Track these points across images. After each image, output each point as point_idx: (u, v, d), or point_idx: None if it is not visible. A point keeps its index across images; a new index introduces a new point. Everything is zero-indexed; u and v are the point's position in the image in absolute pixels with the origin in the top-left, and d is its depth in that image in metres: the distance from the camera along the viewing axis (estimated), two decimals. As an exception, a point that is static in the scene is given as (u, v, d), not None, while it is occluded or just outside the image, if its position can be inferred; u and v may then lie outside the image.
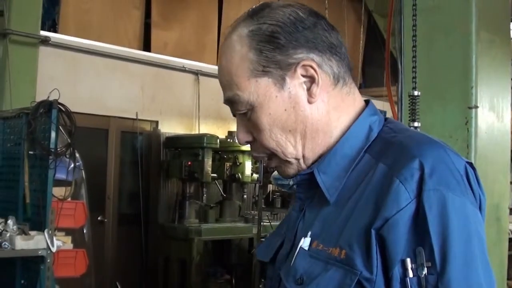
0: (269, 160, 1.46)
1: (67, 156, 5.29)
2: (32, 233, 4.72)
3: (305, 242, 1.38)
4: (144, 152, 7.94)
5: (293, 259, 1.37)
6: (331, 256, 1.30)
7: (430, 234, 1.23)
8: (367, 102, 1.49)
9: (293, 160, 1.42)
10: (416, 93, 3.42)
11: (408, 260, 1.23)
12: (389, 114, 7.91)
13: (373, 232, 1.26)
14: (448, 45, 3.87)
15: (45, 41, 7.10)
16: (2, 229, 4.67)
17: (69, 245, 5.31)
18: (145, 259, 7.88)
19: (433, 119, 3.84)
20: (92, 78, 7.46)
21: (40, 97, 5.44)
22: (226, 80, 1.41)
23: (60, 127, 5.17)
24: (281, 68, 1.37)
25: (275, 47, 1.37)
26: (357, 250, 1.27)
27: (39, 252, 4.63)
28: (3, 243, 4.51)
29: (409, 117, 3.44)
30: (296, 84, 1.38)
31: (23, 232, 4.67)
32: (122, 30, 8.53)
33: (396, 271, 1.24)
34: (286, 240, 1.47)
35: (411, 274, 1.23)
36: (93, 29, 8.09)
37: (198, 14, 9.30)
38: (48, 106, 5.06)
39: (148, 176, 7.96)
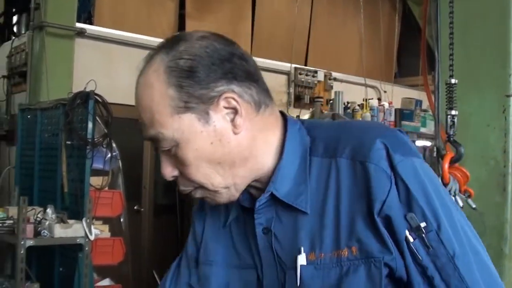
0: (197, 191, 1.42)
1: (104, 146, 5.36)
2: (71, 221, 4.79)
3: (302, 259, 1.37)
4: (178, 142, 7.94)
5: (298, 279, 1.37)
6: (342, 258, 1.35)
7: (416, 198, 1.33)
8: (281, 113, 1.50)
9: (222, 190, 1.40)
10: (453, 81, 3.40)
11: (405, 228, 1.33)
12: (426, 104, 7.81)
13: (376, 217, 1.32)
14: (485, 32, 3.84)
15: (81, 33, 7.16)
16: (41, 217, 4.74)
17: (107, 234, 5.37)
18: (180, 249, 7.90)
19: (470, 108, 3.81)
20: (128, 69, 7.47)
21: (77, 88, 5.51)
22: (147, 118, 1.37)
23: (96, 117, 5.23)
24: (203, 102, 1.34)
25: (195, 82, 1.34)
26: (368, 240, 1.34)
27: (77, 240, 4.70)
28: (42, 231, 4.58)
29: (446, 105, 3.41)
30: (220, 117, 1.35)
31: (61, 221, 4.74)
32: (156, 21, 8.57)
33: (404, 243, 1.33)
34: (265, 268, 1.45)
35: (412, 239, 1.32)
36: (128, 21, 8.14)
37: (232, 5, 9.31)
38: (85, 97, 5.12)
39: (182, 166, 7.97)
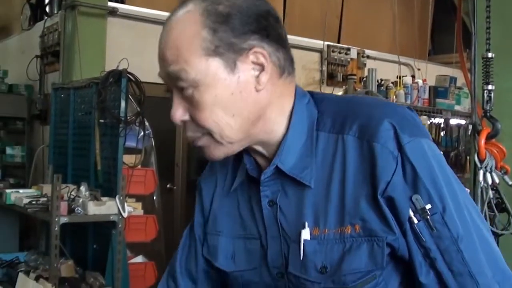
0: (201, 138, 1.40)
1: (137, 124, 5.36)
2: (104, 199, 4.82)
3: (306, 233, 1.39)
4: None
5: (301, 253, 1.39)
6: (345, 235, 1.36)
7: (423, 180, 1.33)
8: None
9: (225, 143, 1.39)
10: (490, 55, 3.34)
11: (410, 210, 1.33)
12: (460, 81, 7.71)
13: (380, 198, 1.33)
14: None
15: (113, 12, 7.18)
16: (74, 195, 4.78)
17: (140, 211, 5.39)
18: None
19: (507, 82, 3.74)
20: (160, 48, 7.47)
21: (109, 67, 5.51)
22: (172, 54, 1.36)
23: (129, 96, 5.23)
24: (233, 51, 1.33)
25: (229, 29, 1.33)
26: (371, 219, 1.35)
27: (111, 218, 4.72)
28: (76, 208, 4.61)
29: (483, 80, 3.36)
30: (246, 70, 1.35)
31: (95, 198, 4.77)
32: (187, 0, 8.54)
33: (407, 224, 1.34)
34: (269, 240, 1.46)
35: (416, 221, 1.33)
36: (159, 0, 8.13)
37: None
38: (118, 75, 5.12)
39: (216, 144, 7.98)
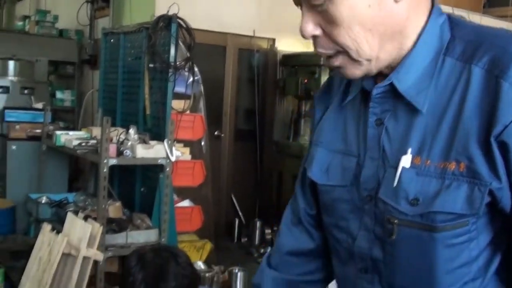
0: (334, 57, 1.31)
1: (186, 70, 5.36)
2: (152, 142, 4.85)
3: (406, 160, 1.29)
4: (260, 69, 7.91)
5: (396, 180, 1.30)
6: (447, 171, 1.25)
7: None
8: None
9: (364, 61, 1.29)
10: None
11: None
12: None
13: (492, 140, 1.21)
14: None
15: (165, -44, 7.14)
16: (123, 138, 4.81)
17: (187, 156, 5.41)
18: (259, 174, 7.98)
19: None
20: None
21: (159, 12, 5.49)
22: None
23: (179, 41, 5.23)
24: None
25: None
26: (479, 161, 1.23)
27: (159, 161, 4.75)
28: (125, 151, 4.65)
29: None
30: None
31: (143, 142, 4.80)
32: None
33: None
34: (367, 160, 1.38)
35: None
36: None
37: None
38: (168, 20, 5.11)
39: (264, 94, 7.95)
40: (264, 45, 7.99)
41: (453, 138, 1.25)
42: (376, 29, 1.25)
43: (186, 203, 5.75)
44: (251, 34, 7.65)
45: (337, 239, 1.49)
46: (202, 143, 6.05)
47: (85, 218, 4.51)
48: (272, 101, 8.02)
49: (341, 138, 1.46)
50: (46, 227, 4.61)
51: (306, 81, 7.37)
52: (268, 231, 7.34)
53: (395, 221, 1.31)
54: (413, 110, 1.31)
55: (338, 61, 1.31)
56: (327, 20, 1.26)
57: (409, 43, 1.31)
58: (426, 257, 1.31)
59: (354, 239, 1.43)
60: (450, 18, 1.35)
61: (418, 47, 1.30)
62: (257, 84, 7.81)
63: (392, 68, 1.33)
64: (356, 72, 1.31)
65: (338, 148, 1.46)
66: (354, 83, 1.42)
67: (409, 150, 1.29)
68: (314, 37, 1.29)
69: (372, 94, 1.35)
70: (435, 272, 1.31)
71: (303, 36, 1.29)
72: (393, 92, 1.33)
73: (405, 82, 1.31)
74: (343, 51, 1.28)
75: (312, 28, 1.28)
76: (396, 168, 1.31)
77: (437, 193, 1.26)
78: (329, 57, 1.32)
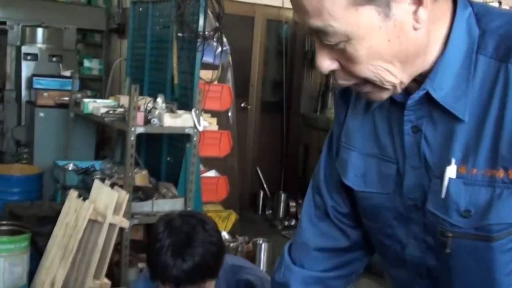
0: (362, 86, 1.24)
1: (215, 40, 5.34)
2: (180, 112, 4.84)
3: (451, 171, 1.24)
4: (289, 41, 7.88)
5: (444, 191, 1.25)
6: (496, 179, 1.20)
7: None
8: None
9: (389, 87, 1.22)
10: None
11: None
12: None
13: None
14: None
15: None
16: (151, 106, 4.81)
17: (214, 126, 5.41)
18: (285, 147, 7.97)
19: None
20: (239, -35, 7.41)
21: (189, -19, 5.45)
22: (313, 6, 1.13)
23: (208, 11, 5.19)
24: None
25: None
26: None
27: (186, 130, 4.74)
28: (152, 119, 4.64)
29: None
30: (401, 10, 1.14)
31: (171, 111, 4.79)
32: None
33: None
34: (408, 168, 1.33)
35: None
36: None
37: None
38: (197, -11, 5.08)
39: (292, 66, 7.91)
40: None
41: (497, 144, 1.20)
42: (397, 59, 1.19)
43: (212, 173, 5.76)
44: (279, 5, 7.59)
45: (384, 245, 1.46)
46: (229, 114, 6.04)
47: (112, 186, 4.52)
48: (299, 73, 7.97)
49: (373, 141, 1.41)
50: (73, 194, 4.63)
51: (334, 53, 7.30)
52: (292, 204, 7.34)
53: (449, 234, 1.27)
54: (452, 118, 1.25)
55: (367, 89, 1.25)
56: (345, 58, 1.20)
57: (434, 52, 1.24)
58: (484, 264, 1.29)
59: (403, 246, 1.40)
60: (474, 7, 1.27)
61: (449, 49, 1.23)
62: (285, 56, 7.77)
63: (423, 75, 1.26)
64: (383, 96, 1.26)
65: (372, 152, 1.41)
66: None
67: (453, 160, 1.25)
68: (333, 70, 1.24)
69: (407, 104, 1.29)
70: (494, 275, 1.29)
71: (321, 71, 1.24)
72: (427, 98, 1.26)
73: (441, 90, 1.24)
74: (366, 81, 1.23)
75: (328, 64, 1.22)
76: (441, 178, 1.26)
77: (489, 203, 1.22)
78: (359, 86, 1.26)
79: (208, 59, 5.38)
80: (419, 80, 1.26)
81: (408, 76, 1.23)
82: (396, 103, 1.33)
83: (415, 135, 1.30)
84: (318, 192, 1.60)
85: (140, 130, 4.55)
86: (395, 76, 1.20)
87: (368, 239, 1.58)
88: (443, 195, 1.25)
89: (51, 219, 4.80)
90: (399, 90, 1.25)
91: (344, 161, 1.47)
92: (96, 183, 4.59)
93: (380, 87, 1.23)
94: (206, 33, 5.12)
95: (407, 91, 1.29)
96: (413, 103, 1.28)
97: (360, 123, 1.44)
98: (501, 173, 1.20)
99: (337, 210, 1.57)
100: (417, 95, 1.27)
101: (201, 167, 5.38)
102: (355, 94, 1.44)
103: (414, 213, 1.35)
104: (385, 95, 1.26)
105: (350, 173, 1.45)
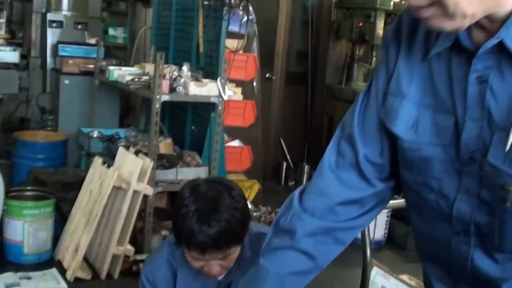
0: (425, 8, 1.18)
1: (241, 8, 5.29)
2: (205, 80, 4.82)
3: None
4: (315, 11, 7.79)
5: (509, 144, 1.21)
6: None
7: None
8: None
9: (458, 17, 1.16)
10: None
11: None
12: None
13: None
14: None
15: None
16: (176, 74, 4.79)
17: (239, 96, 5.37)
18: (309, 118, 7.93)
19: None
20: None
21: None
22: None
23: (235, -21, 5.15)
24: None
25: None
26: None
27: (211, 99, 4.73)
28: (178, 87, 4.63)
29: None
30: None
31: (196, 79, 4.77)
32: None
33: None
34: (468, 120, 1.28)
35: None
36: None
37: None
38: (223, -43, 5.03)
39: (318, 36, 7.85)
40: (319, -14, 7.85)
41: None
42: None
43: (236, 143, 5.76)
44: (306, -26, 7.53)
45: (424, 199, 1.42)
46: (254, 84, 6.00)
47: (136, 153, 4.53)
48: (325, 44, 7.90)
49: (429, 92, 1.35)
50: (98, 160, 4.66)
51: (361, 24, 7.22)
52: (316, 175, 7.31)
53: (511, 188, 1.23)
54: None
55: (428, 13, 1.19)
56: None
57: None
58: None
59: (449, 201, 1.36)
60: None
61: None
62: (311, 26, 7.70)
63: (492, 20, 1.21)
64: (446, 25, 1.19)
65: (426, 103, 1.36)
66: (443, 34, 1.30)
67: None
68: None
69: (478, 52, 1.24)
70: None
71: None
72: (501, 50, 1.21)
73: None
74: (438, 3, 1.16)
75: None
76: (507, 131, 1.21)
77: None
78: (418, 7, 1.20)
79: (233, 28, 5.34)
80: (488, 28, 1.22)
81: (483, 11, 1.17)
82: (459, 52, 1.28)
83: (480, 85, 1.26)
84: (349, 139, 1.51)
85: (166, 98, 4.54)
86: (470, 4, 1.15)
87: (389, 191, 1.54)
88: (507, 148, 1.22)
89: (75, 186, 4.84)
90: (465, 25, 1.19)
91: (393, 110, 1.41)
92: (121, 151, 4.60)
93: (448, 15, 1.16)
94: (232, 1, 5.08)
95: (473, 41, 1.25)
96: (484, 51, 1.23)
97: (414, 71, 1.38)
98: None
99: (368, 159, 1.49)
100: (490, 43, 1.22)
101: (225, 137, 5.37)
102: (407, 38, 1.40)
103: (470, 166, 1.30)
104: (449, 26, 1.19)
105: (399, 122, 1.40)
